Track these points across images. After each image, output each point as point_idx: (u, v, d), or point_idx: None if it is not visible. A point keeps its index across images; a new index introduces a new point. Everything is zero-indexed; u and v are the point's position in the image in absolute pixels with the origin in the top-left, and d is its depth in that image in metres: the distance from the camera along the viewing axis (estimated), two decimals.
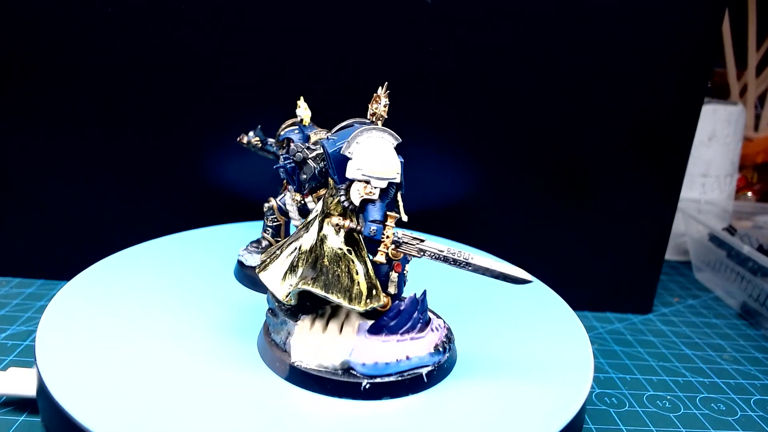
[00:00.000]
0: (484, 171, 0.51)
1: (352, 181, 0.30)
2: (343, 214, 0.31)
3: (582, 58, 0.47)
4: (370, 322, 0.31)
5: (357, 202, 0.29)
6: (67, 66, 0.47)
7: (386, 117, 0.30)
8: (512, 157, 0.50)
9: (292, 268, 0.31)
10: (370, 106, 0.31)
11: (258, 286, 0.41)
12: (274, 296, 0.32)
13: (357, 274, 0.30)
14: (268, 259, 0.33)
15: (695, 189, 0.69)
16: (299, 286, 0.30)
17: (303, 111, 0.41)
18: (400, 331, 0.31)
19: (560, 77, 0.48)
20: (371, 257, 0.31)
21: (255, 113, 0.46)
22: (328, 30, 0.47)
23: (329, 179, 0.32)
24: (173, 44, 0.47)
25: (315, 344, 0.31)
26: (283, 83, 0.48)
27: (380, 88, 0.30)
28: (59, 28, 0.46)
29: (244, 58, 0.47)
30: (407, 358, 0.30)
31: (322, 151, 0.37)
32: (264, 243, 0.43)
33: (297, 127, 0.42)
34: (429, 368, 0.31)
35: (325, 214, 0.31)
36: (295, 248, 0.32)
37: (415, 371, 0.30)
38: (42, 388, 0.29)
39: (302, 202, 0.40)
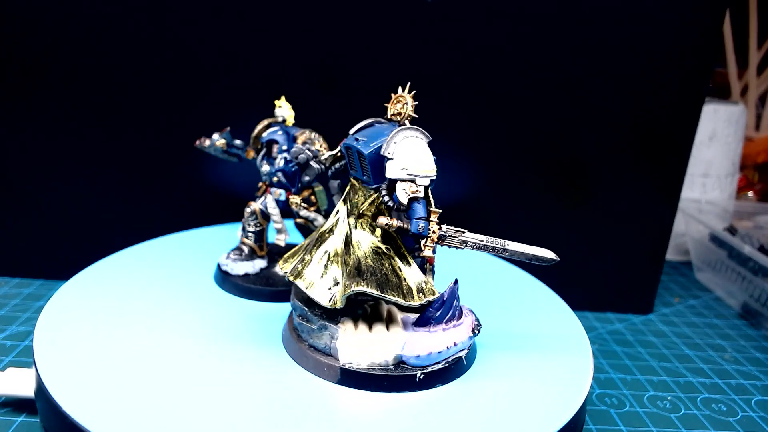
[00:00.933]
0: (484, 171, 0.51)
1: (392, 181, 0.30)
2: (378, 214, 0.31)
3: (582, 58, 0.47)
4: (413, 316, 0.33)
5: (405, 201, 0.30)
6: (67, 66, 0.47)
7: (417, 116, 0.31)
8: (512, 157, 0.50)
9: (330, 272, 0.31)
10: (390, 106, 0.31)
11: (250, 294, 0.40)
12: (305, 302, 0.32)
13: (401, 270, 0.31)
14: (300, 266, 0.32)
15: (696, 189, 0.69)
16: (354, 288, 0.29)
17: (287, 111, 0.41)
18: (445, 320, 0.32)
19: (560, 77, 0.48)
20: (412, 253, 0.32)
21: (255, 113, 0.46)
22: (328, 31, 0.47)
23: (354, 181, 0.32)
24: (173, 45, 0.47)
25: (364, 344, 0.31)
26: (282, 84, 0.48)
27: (400, 88, 0.31)
28: (60, 29, 0.46)
29: (244, 58, 0.47)
30: (454, 344, 0.32)
31: (333, 153, 0.35)
32: (246, 250, 0.42)
33: (278, 127, 0.41)
34: (465, 351, 0.32)
35: (358, 216, 0.31)
36: (325, 252, 0.32)
37: (456, 355, 0.32)
38: (40, 388, 0.29)
39: (302, 204, 0.40)
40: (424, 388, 0.31)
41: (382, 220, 0.30)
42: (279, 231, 0.42)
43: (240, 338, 0.35)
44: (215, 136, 0.42)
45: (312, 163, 0.38)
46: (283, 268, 0.34)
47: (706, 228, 0.62)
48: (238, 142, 0.42)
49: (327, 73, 0.48)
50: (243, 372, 0.31)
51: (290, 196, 0.39)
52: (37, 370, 0.30)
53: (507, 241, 0.32)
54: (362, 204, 0.31)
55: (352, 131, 0.33)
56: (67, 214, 0.50)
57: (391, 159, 0.30)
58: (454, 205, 0.51)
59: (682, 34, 0.46)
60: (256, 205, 0.41)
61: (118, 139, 0.49)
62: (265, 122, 0.41)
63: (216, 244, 0.47)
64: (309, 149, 0.38)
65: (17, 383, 0.33)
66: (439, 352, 0.31)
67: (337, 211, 0.33)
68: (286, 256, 0.34)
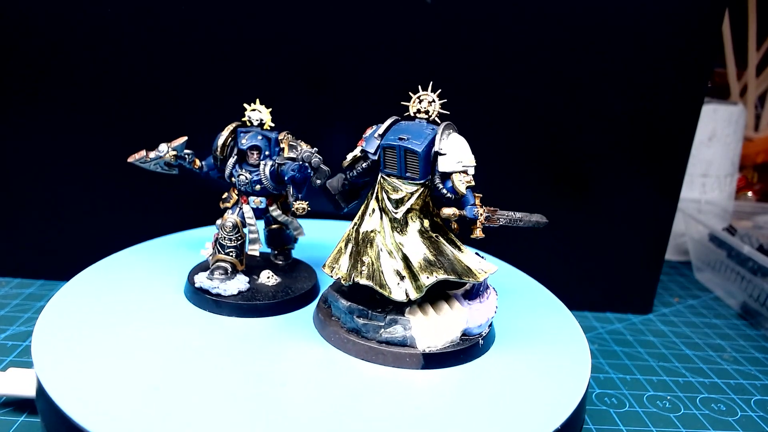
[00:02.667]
0: (483, 171, 0.50)
1: (444, 174, 0.33)
2: (425, 206, 0.34)
3: (581, 57, 0.47)
4: (459, 292, 0.36)
5: (464, 191, 0.33)
6: (67, 67, 0.47)
7: (448, 112, 0.34)
8: (511, 157, 0.50)
9: (392, 268, 0.33)
10: (412, 104, 0.34)
11: (255, 312, 0.37)
12: (363, 301, 0.34)
13: (454, 253, 0.34)
14: (365, 268, 0.33)
15: (695, 189, 0.69)
16: (438, 277, 0.32)
17: (266, 114, 0.39)
18: (486, 290, 0.36)
19: (560, 77, 0.48)
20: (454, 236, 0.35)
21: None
22: (327, 31, 0.47)
23: (388, 178, 0.34)
24: (172, 46, 0.47)
25: (437, 326, 0.33)
26: (280, 86, 0.48)
27: (420, 87, 0.34)
28: (60, 30, 0.46)
29: (243, 61, 0.47)
30: (496, 308, 0.35)
31: (355, 154, 0.36)
32: (229, 267, 0.38)
33: (254, 131, 0.38)
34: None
35: (407, 210, 0.33)
36: (380, 249, 0.33)
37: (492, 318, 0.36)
38: (40, 389, 0.29)
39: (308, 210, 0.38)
40: (485, 351, 0.35)
41: (448, 211, 0.33)
42: (254, 241, 0.40)
43: (242, 340, 0.35)
44: (163, 147, 0.39)
45: (322, 166, 0.38)
46: (337, 273, 0.34)
47: (706, 228, 0.62)
48: (187, 151, 0.40)
49: (318, 74, 0.48)
50: (303, 376, 0.31)
51: (297, 202, 0.38)
52: (36, 370, 0.30)
53: (519, 213, 0.35)
54: (408, 199, 0.33)
55: (381, 131, 0.34)
56: (67, 214, 0.50)
57: (444, 154, 0.33)
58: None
59: (681, 34, 0.46)
60: (234, 218, 0.39)
61: (119, 140, 0.49)
62: (231, 127, 0.39)
63: None
64: (312, 152, 0.38)
65: (18, 383, 0.33)
66: (491, 317, 0.35)
67: (373, 210, 0.34)
68: (328, 262, 0.35)
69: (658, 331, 0.50)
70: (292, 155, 0.38)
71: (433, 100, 0.34)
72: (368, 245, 0.34)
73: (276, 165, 0.38)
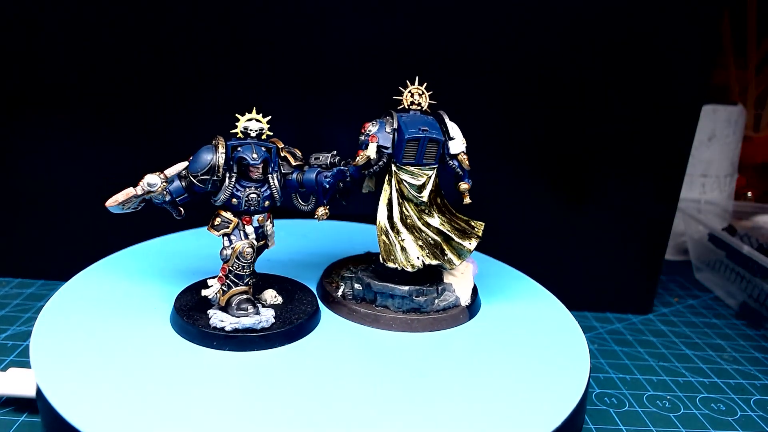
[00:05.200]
0: (482, 171, 0.50)
1: (453, 155, 0.37)
2: (437, 186, 0.38)
3: (581, 57, 0.47)
4: None
5: (468, 167, 0.38)
6: (66, 67, 0.47)
7: (435, 102, 0.38)
8: (511, 157, 0.50)
9: (436, 244, 0.37)
10: (405, 98, 0.37)
11: (297, 335, 0.35)
12: (416, 281, 0.37)
13: (457, 220, 0.39)
14: (431, 251, 0.37)
15: (695, 189, 0.69)
16: (474, 242, 0.38)
17: (264, 123, 0.35)
18: None
19: (560, 77, 0.48)
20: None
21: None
22: (327, 30, 0.47)
23: (405, 167, 0.36)
24: (171, 47, 0.47)
25: (462, 281, 0.39)
26: (280, 87, 0.48)
27: (408, 81, 0.37)
28: (59, 29, 0.46)
29: (244, 62, 0.47)
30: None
31: (374, 151, 0.36)
32: (252, 298, 0.35)
33: (252, 143, 0.34)
34: None
35: (430, 193, 0.37)
36: (422, 231, 0.37)
37: None
38: (39, 390, 0.29)
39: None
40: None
41: (464, 185, 0.38)
42: None
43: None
44: (154, 179, 0.34)
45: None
46: (401, 264, 0.36)
47: (706, 228, 0.62)
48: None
49: (304, 73, 0.48)
50: (257, 370, 0.31)
51: (321, 209, 0.36)
52: (34, 371, 0.30)
53: None
54: (428, 182, 0.37)
55: (395, 126, 0.36)
56: (67, 214, 0.50)
57: (453, 138, 0.37)
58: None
59: (681, 35, 0.46)
60: (249, 242, 0.34)
61: (119, 139, 0.49)
62: (223, 141, 0.34)
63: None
64: (332, 156, 0.37)
65: (18, 383, 0.33)
66: (477, 265, 0.41)
67: (398, 199, 0.37)
68: (384, 256, 0.36)
69: (658, 331, 0.50)
70: (298, 163, 0.36)
71: (423, 93, 0.37)
72: (413, 231, 0.37)
73: (281, 175, 0.35)
